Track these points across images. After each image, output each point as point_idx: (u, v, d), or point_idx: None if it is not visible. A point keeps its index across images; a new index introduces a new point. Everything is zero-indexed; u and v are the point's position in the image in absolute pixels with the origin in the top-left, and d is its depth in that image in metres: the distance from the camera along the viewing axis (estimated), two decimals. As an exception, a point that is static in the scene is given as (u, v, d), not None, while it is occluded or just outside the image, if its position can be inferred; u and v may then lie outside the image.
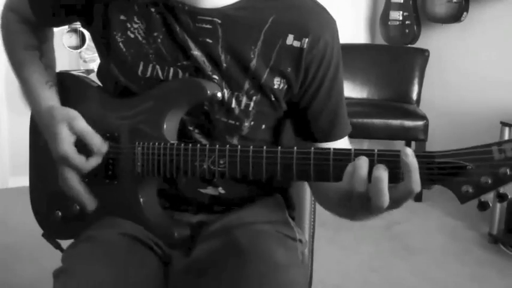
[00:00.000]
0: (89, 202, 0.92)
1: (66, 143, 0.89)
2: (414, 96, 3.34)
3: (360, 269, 2.34)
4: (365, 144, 4.22)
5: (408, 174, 0.67)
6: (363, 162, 0.70)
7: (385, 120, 3.01)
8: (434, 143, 3.24)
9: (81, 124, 0.90)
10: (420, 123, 2.99)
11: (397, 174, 0.68)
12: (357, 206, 0.72)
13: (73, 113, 0.92)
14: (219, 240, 0.93)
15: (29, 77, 0.99)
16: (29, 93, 0.99)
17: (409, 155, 0.67)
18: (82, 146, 0.90)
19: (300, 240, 1.02)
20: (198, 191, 0.95)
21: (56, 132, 0.90)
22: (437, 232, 2.72)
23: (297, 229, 1.04)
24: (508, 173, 0.64)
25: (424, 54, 3.36)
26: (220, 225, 0.97)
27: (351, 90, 3.38)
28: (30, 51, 1.01)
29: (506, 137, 2.46)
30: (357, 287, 2.21)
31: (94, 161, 0.90)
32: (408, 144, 3.50)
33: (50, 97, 0.98)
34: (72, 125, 0.90)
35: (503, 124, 2.48)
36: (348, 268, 2.34)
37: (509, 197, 0.66)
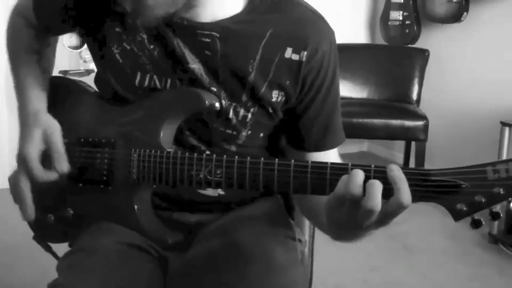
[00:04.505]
0: (29, 211, 0.92)
1: (33, 146, 0.90)
2: (414, 96, 3.34)
3: (360, 269, 2.33)
4: (365, 145, 4.22)
5: (396, 187, 0.67)
6: (359, 171, 0.69)
7: (385, 120, 3.01)
8: (434, 143, 3.24)
9: (56, 138, 0.91)
10: (420, 123, 2.99)
11: (389, 191, 0.68)
12: (347, 214, 0.70)
13: (55, 125, 0.93)
14: (219, 240, 0.93)
15: (23, 78, 1.00)
16: (20, 93, 1.00)
17: (394, 169, 0.68)
18: (46, 158, 0.91)
19: (300, 240, 1.02)
20: (197, 193, 0.95)
21: (30, 134, 0.91)
22: (438, 232, 2.72)
23: (297, 229, 1.04)
24: (502, 192, 0.66)
25: (424, 54, 3.36)
26: (219, 225, 0.97)
27: (351, 90, 3.37)
28: (30, 55, 1.02)
29: (506, 137, 2.46)
30: (357, 287, 2.21)
31: (49, 175, 0.90)
32: (408, 144, 3.50)
33: (39, 100, 0.98)
34: (47, 135, 0.91)
35: (503, 124, 2.48)
36: (348, 268, 2.34)
37: (501, 216, 0.68)
